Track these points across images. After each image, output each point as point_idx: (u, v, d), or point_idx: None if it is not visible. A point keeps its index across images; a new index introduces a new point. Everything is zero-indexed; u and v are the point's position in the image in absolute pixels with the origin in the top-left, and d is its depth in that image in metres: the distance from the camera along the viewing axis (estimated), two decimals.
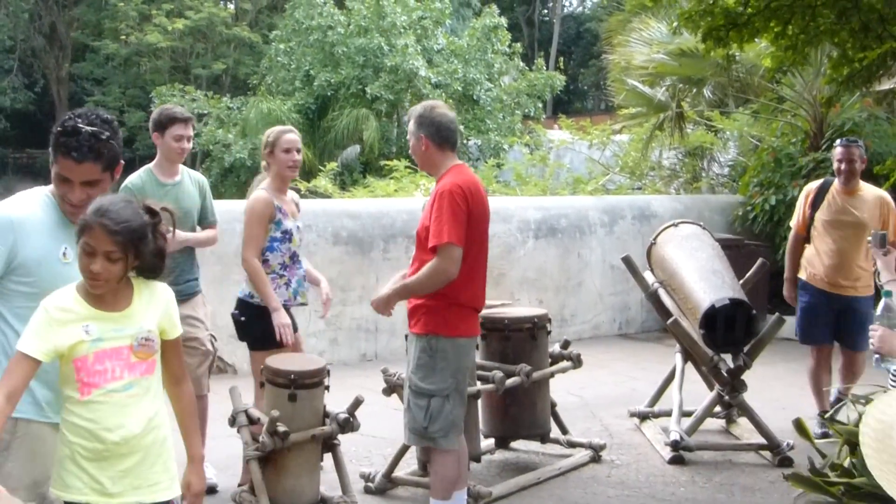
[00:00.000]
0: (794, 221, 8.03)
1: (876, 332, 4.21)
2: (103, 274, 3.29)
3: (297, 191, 10.36)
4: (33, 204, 3.73)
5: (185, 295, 6.15)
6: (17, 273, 3.61)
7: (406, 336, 5.53)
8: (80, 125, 3.60)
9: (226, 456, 6.45)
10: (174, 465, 3.50)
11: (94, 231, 3.26)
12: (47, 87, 41.18)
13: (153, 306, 3.47)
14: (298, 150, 6.30)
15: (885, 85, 10.79)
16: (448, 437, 5.26)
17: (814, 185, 8.06)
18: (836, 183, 7.77)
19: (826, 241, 7.71)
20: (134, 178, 6.28)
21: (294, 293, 6.23)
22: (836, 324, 7.72)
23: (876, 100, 12.46)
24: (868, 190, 7.78)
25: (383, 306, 5.35)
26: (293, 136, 6.30)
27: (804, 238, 7.91)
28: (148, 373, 3.42)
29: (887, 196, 7.77)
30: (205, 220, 6.47)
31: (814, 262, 7.79)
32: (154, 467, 3.43)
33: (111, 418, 3.32)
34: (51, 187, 3.77)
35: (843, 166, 7.64)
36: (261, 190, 6.21)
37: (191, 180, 6.42)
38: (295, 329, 6.17)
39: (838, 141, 7.89)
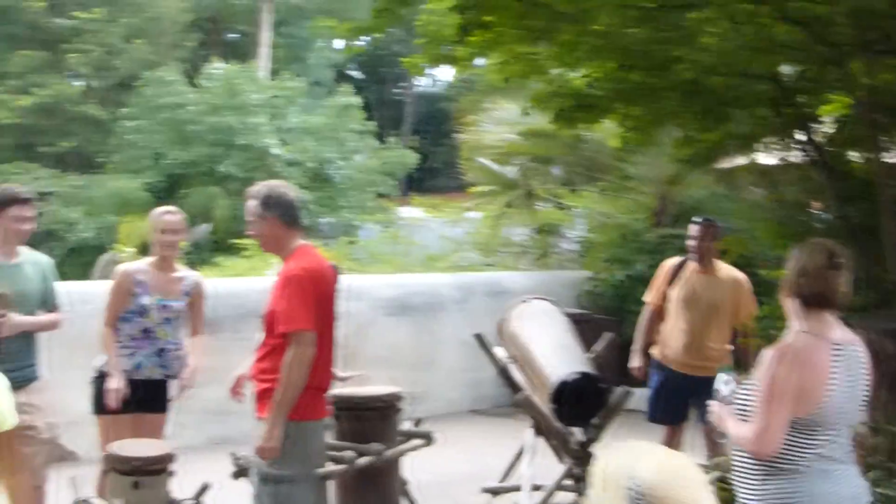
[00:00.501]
0: (650, 296, 8.16)
1: (713, 411, 4.26)
2: None
3: None
4: None
5: (22, 381, 5.93)
6: None
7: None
8: None
9: None
10: None
11: None
12: None
13: None
14: (175, 231, 6.47)
15: (726, 163, 11.19)
16: None
17: (673, 260, 8.12)
18: (692, 262, 7.79)
19: (679, 320, 7.74)
20: None
21: (136, 366, 6.31)
22: (690, 402, 7.66)
23: (717, 177, 12.89)
24: (725, 270, 7.77)
25: (274, 441, 5.02)
26: (170, 217, 6.47)
27: (658, 313, 8.02)
28: None
29: (743, 277, 7.75)
30: (46, 303, 6.22)
31: (667, 341, 7.84)
32: None
33: None
34: None
35: (696, 244, 7.65)
36: (131, 263, 6.56)
37: (33, 262, 6.19)
38: (162, 409, 6.29)
39: (693, 219, 7.94)
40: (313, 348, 5.03)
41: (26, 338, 6.08)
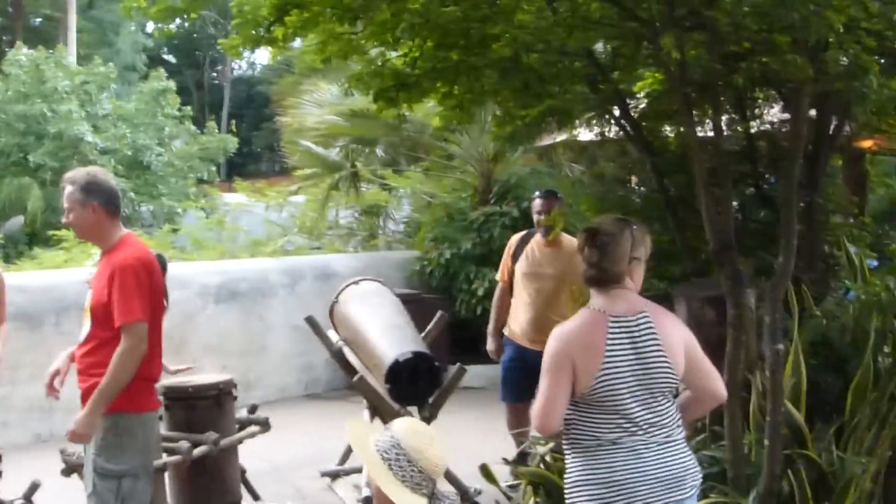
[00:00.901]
0: (499, 273, 8.22)
1: None
2: None
3: None
4: None
5: None
6: None
7: None
8: None
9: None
10: None
11: None
12: None
13: None
14: None
15: (546, 140, 11.41)
16: None
17: (517, 236, 8.17)
18: (537, 235, 7.82)
19: (523, 294, 7.74)
20: None
21: None
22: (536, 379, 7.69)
23: (538, 155, 13.13)
24: (569, 242, 7.67)
25: (88, 428, 4.87)
26: None
27: (509, 289, 8.00)
28: None
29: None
30: None
31: (514, 316, 7.83)
32: None
33: None
34: None
35: (541, 217, 7.68)
36: None
37: None
38: None
39: (537, 192, 8.03)
40: (146, 342, 4.92)
41: None
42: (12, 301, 9.48)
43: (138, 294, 4.91)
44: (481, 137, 13.11)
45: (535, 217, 7.78)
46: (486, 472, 6.38)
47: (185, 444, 6.13)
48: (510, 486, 6.81)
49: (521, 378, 7.50)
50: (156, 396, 5.31)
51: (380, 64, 7.43)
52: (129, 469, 4.98)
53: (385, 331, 7.43)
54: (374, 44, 7.45)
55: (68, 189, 5.11)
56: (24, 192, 23.19)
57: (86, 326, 5.15)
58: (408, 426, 3.60)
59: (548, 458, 5.75)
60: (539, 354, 7.26)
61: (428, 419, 7.24)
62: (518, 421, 7.67)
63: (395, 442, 3.48)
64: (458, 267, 12.34)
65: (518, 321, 7.78)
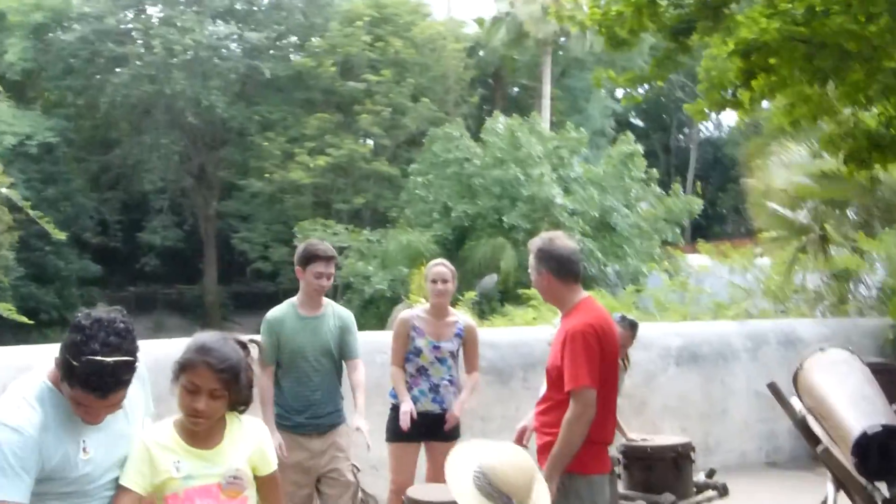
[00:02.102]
0: None
1: None
2: (207, 412, 3.33)
3: None
4: (38, 406, 3.31)
5: (326, 426, 6.36)
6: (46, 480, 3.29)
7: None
8: (102, 357, 3.13)
9: None
10: None
11: (198, 369, 3.32)
12: (196, 224, 42.81)
13: (244, 443, 3.49)
14: (444, 281, 7.08)
15: None
16: None
17: None
18: None
19: None
20: (275, 311, 6.55)
21: (414, 399, 6.97)
22: None
23: None
24: None
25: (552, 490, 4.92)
26: (439, 268, 7.14)
27: None
28: None
29: None
30: (347, 355, 6.57)
31: None
32: None
33: None
34: (47, 378, 3.38)
35: None
36: (409, 310, 7.43)
37: (334, 315, 6.55)
38: (445, 438, 6.73)
39: None
40: (594, 408, 4.98)
41: (328, 383, 6.44)
42: (484, 356, 10.05)
43: (587, 360, 4.98)
44: None
45: None
46: None
47: None
48: None
49: None
50: (607, 459, 5.34)
51: (852, 125, 7.21)
52: None
53: (853, 401, 7.09)
54: (845, 104, 7.24)
55: (530, 256, 5.37)
56: (498, 252, 24.47)
57: (544, 386, 5.36)
58: (502, 456, 4.20)
59: None
60: None
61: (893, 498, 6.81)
62: None
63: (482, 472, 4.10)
64: None
65: None
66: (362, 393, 6.53)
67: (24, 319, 16.36)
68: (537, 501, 4.21)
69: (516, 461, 4.23)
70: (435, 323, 7.13)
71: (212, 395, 3.32)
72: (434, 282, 7.11)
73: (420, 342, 7.08)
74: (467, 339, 7.25)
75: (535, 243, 5.36)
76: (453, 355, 7.19)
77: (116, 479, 3.39)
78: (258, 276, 41.41)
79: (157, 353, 9.03)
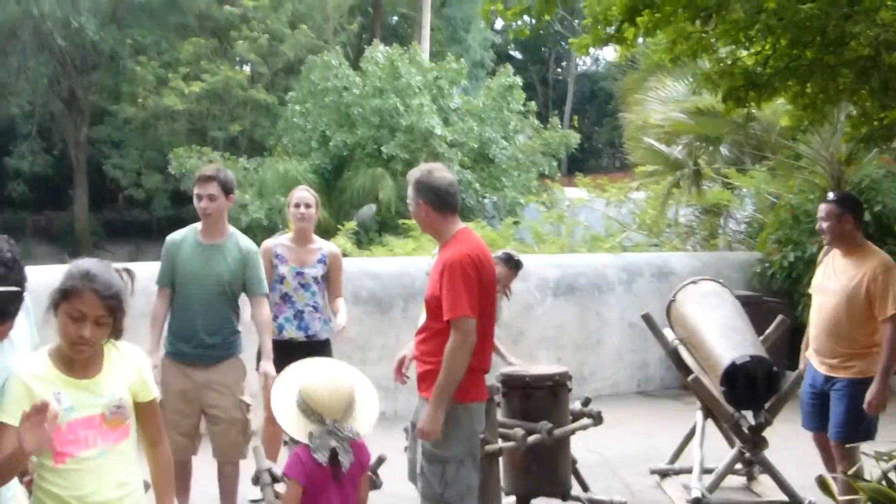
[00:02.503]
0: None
1: None
2: (92, 339, 3.27)
3: None
4: None
5: (212, 358, 6.29)
6: None
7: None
8: None
9: None
10: None
11: (84, 296, 3.25)
12: (66, 150, 41.63)
13: (124, 371, 3.45)
14: (307, 205, 7.20)
15: None
16: (463, 501, 5.23)
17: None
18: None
19: (813, 310, 6.83)
20: (175, 234, 6.47)
21: (279, 328, 7.13)
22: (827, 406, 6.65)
23: (894, 157, 12.47)
24: (867, 254, 6.51)
25: (435, 424, 5.07)
26: (302, 192, 7.32)
27: None
28: (122, 438, 3.41)
29: (887, 263, 6.42)
30: (249, 291, 6.45)
31: (810, 335, 6.91)
32: None
33: (86, 485, 3.31)
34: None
35: (823, 225, 6.62)
36: (272, 238, 7.42)
37: (236, 247, 6.40)
38: None
39: (827, 195, 6.95)
40: (474, 336, 5.06)
41: (215, 314, 6.31)
42: (364, 286, 10.10)
43: (466, 290, 5.04)
44: (833, 138, 12.59)
45: (820, 224, 6.66)
46: (823, 484, 6.15)
47: (520, 432, 6.29)
48: (849, 502, 6.54)
49: (809, 404, 6.80)
50: (484, 387, 5.41)
51: (730, 63, 7.34)
52: (454, 455, 5.18)
53: (723, 332, 7.33)
54: (725, 42, 7.37)
55: (409, 187, 5.38)
56: (376, 182, 24.41)
57: (423, 316, 5.41)
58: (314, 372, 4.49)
59: (893, 476, 5.48)
60: (826, 380, 6.56)
61: (763, 425, 7.09)
62: (823, 452, 6.83)
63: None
64: (801, 271, 11.90)
65: (811, 340, 6.82)
66: (268, 334, 6.49)
67: None
68: (360, 423, 4.51)
69: (334, 384, 4.45)
70: (298, 250, 7.23)
71: (97, 321, 3.26)
72: (297, 206, 7.20)
73: (283, 269, 7.20)
74: (331, 266, 7.31)
75: (413, 175, 5.37)
76: (317, 281, 7.22)
77: None
78: (131, 204, 40.60)
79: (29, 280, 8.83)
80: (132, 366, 3.48)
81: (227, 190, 6.33)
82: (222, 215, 6.36)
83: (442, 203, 5.24)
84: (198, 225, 6.41)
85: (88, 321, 3.25)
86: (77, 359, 3.33)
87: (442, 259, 5.19)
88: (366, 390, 4.68)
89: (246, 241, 6.47)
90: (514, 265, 7.37)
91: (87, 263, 3.37)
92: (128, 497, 3.41)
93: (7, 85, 38.50)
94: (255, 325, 6.47)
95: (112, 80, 38.86)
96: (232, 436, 6.33)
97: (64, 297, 3.28)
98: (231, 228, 6.46)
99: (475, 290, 5.09)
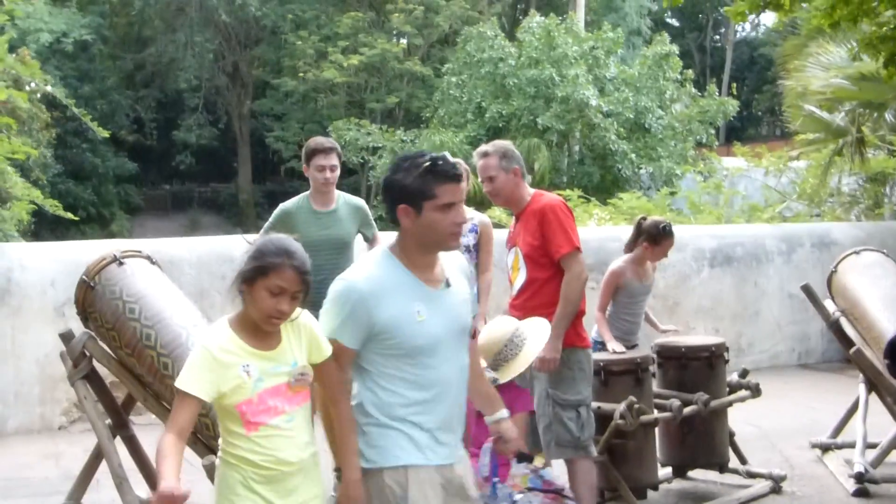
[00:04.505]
0: None
1: None
2: (288, 313, 3.39)
3: None
4: (378, 269, 3.63)
5: None
6: (379, 337, 3.56)
7: None
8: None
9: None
10: (322, 479, 3.63)
11: (284, 272, 3.34)
12: (230, 123, 42.88)
13: (301, 338, 3.53)
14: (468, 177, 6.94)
15: None
16: (592, 443, 5.53)
17: None
18: None
19: None
20: (288, 203, 6.67)
21: None
22: None
23: None
24: None
25: (555, 352, 5.30)
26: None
27: None
28: (304, 400, 3.52)
29: None
30: (368, 237, 6.77)
31: None
32: (312, 483, 3.54)
33: (280, 448, 3.42)
34: (385, 247, 3.72)
35: None
36: None
37: (347, 207, 6.63)
38: None
39: None
40: (586, 269, 5.44)
41: (332, 265, 6.46)
42: None
43: (572, 227, 5.39)
44: None
45: None
46: None
47: (675, 403, 6.30)
48: None
49: None
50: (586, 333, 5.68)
51: (892, 27, 7.15)
52: (585, 398, 5.48)
53: (887, 304, 7.18)
54: (886, 6, 7.18)
55: (490, 160, 5.55)
56: (532, 153, 24.41)
57: (518, 279, 5.58)
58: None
59: None
60: None
61: None
62: None
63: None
64: None
65: None
66: None
67: (70, 215, 16.47)
68: (504, 371, 5.01)
69: (492, 331, 5.10)
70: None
71: (293, 296, 3.38)
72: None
73: None
74: (482, 235, 7.20)
75: (502, 145, 5.65)
76: (468, 250, 7.08)
77: (456, 347, 3.68)
78: (292, 175, 41.52)
79: (200, 250, 9.23)
80: (306, 330, 3.55)
81: (340, 159, 6.66)
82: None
83: (525, 169, 5.62)
84: (307, 194, 6.62)
85: (287, 296, 3.36)
86: (267, 331, 3.43)
87: (534, 212, 5.48)
88: (523, 345, 5.01)
89: (352, 198, 6.76)
90: (659, 233, 6.89)
91: (282, 241, 3.47)
92: (313, 455, 3.53)
93: (175, 60, 39.86)
94: None
95: (274, 54, 39.89)
96: None
97: (263, 273, 3.36)
98: (337, 192, 6.68)
99: (576, 228, 5.44)
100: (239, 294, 3.44)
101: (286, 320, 3.44)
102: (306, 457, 3.51)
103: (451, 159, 3.58)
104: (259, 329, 3.44)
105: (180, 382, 3.36)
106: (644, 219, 7.03)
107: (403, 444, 3.54)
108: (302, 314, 3.56)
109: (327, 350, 3.59)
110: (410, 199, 3.52)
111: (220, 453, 3.53)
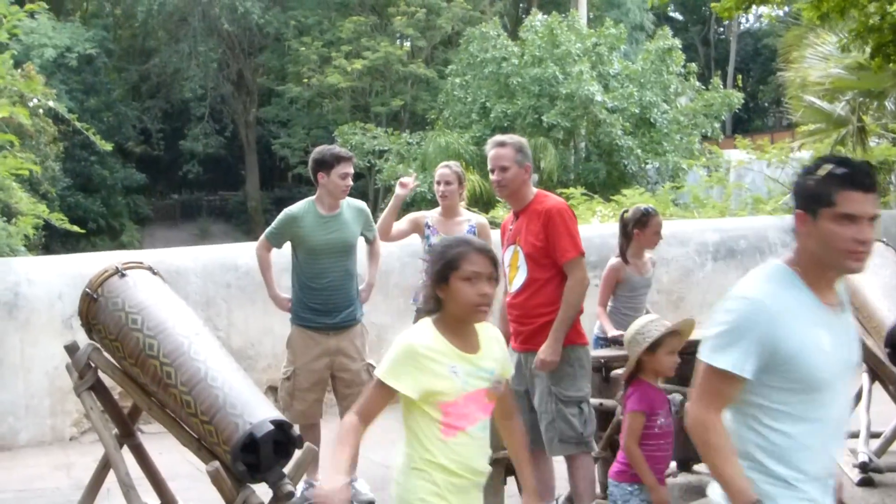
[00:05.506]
0: None
1: None
2: (492, 295, 3.36)
3: None
4: (777, 284, 3.12)
5: (342, 326, 6.61)
6: (781, 368, 3.01)
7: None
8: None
9: (380, 477, 6.37)
10: None
11: (472, 256, 3.35)
12: (236, 131, 43.02)
13: (494, 347, 3.51)
14: (447, 183, 7.26)
15: None
16: (593, 439, 5.67)
17: None
18: None
19: None
20: (294, 208, 6.73)
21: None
22: None
23: None
24: None
25: (555, 355, 5.42)
26: (443, 170, 7.34)
27: None
28: (490, 411, 3.50)
29: None
30: (369, 238, 6.93)
31: None
32: (482, 492, 3.55)
33: (473, 457, 3.42)
34: (780, 260, 3.24)
35: None
36: (423, 211, 7.63)
37: (351, 210, 6.73)
38: None
39: None
40: (588, 274, 5.53)
41: (343, 282, 6.63)
42: None
43: (576, 232, 5.50)
44: None
45: None
46: None
47: (678, 397, 6.33)
48: None
49: None
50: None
51: (879, 18, 7.18)
52: (586, 395, 5.61)
53: (886, 293, 7.20)
54: None
55: (505, 151, 5.63)
56: (538, 152, 24.40)
57: (518, 278, 5.61)
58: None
59: None
60: None
61: None
62: None
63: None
64: None
65: None
66: (376, 265, 7.06)
67: (76, 229, 16.58)
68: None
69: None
70: (446, 222, 7.33)
71: (489, 277, 3.36)
72: (438, 183, 7.32)
73: (434, 239, 7.27)
74: (479, 235, 7.25)
75: (517, 140, 5.73)
76: None
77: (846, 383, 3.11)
78: (299, 181, 41.62)
79: (205, 259, 9.29)
80: (498, 342, 3.55)
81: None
82: None
83: (532, 169, 5.74)
84: (313, 199, 6.71)
85: (483, 279, 3.35)
86: (479, 322, 3.43)
87: (537, 213, 5.55)
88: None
89: (354, 201, 6.84)
90: (643, 213, 7.02)
91: (454, 236, 3.64)
92: (487, 467, 3.52)
93: (180, 70, 40.01)
94: (369, 256, 7.01)
95: (277, 61, 40.02)
96: None
97: (453, 266, 3.35)
98: None
99: (577, 233, 5.53)
100: (433, 301, 3.44)
101: (491, 304, 3.40)
102: (487, 469, 3.53)
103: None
104: (461, 330, 3.43)
105: (382, 374, 3.36)
106: (626, 212, 7.15)
107: None
108: (490, 326, 3.56)
109: (512, 368, 3.66)
110: (807, 203, 3.06)
111: (402, 460, 3.48)
